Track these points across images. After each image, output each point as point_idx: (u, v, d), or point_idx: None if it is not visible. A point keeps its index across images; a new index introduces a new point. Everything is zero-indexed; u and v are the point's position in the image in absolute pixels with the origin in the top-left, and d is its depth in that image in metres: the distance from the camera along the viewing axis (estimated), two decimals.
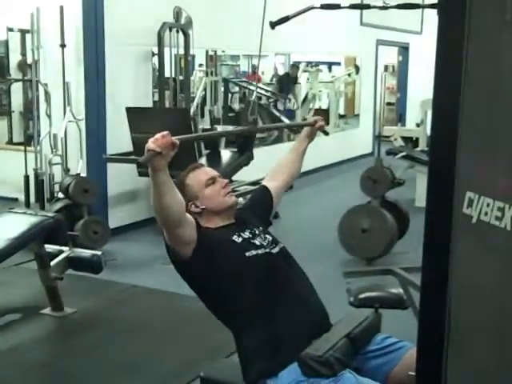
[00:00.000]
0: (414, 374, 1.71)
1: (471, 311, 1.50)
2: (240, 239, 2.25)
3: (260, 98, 9.86)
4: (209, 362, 2.62)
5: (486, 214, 1.40)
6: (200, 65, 9.22)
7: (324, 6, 3.19)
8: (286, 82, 10.38)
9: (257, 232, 2.33)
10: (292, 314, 2.15)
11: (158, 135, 1.92)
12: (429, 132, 8.30)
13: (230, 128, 7.39)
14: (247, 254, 2.21)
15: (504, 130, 1.36)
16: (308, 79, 11.03)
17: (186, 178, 2.36)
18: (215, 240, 2.23)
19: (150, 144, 1.90)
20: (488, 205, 1.40)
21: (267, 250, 2.26)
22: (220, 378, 2.33)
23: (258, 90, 9.63)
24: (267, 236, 2.34)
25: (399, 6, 3.44)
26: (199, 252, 2.16)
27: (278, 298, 2.17)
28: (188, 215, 2.15)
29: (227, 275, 2.19)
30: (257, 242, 2.28)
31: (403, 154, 7.60)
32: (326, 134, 2.75)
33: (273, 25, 2.74)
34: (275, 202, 2.55)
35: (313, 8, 3.03)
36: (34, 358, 3.71)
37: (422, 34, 12.83)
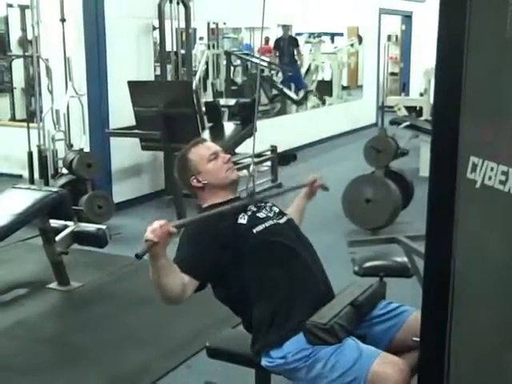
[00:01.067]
0: (418, 339, 1.72)
1: (476, 275, 1.50)
2: (245, 218, 2.23)
3: (263, 71, 9.79)
4: (215, 332, 2.63)
5: (490, 178, 1.40)
6: (201, 38, 9.15)
7: None
8: (286, 47, 9.89)
9: (262, 204, 2.32)
10: (298, 285, 2.15)
11: (156, 225, 1.90)
12: (432, 101, 8.26)
13: (233, 101, 7.36)
14: (255, 230, 2.20)
15: (508, 94, 1.35)
16: (310, 50, 10.94)
17: (188, 153, 2.35)
18: (222, 235, 2.18)
19: (149, 234, 1.89)
20: (492, 169, 1.39)
21: (274, 221, 2.26)
22: (226, 348, 2.35)
23: (262, 62, 9.58)
24: (273, 208, 2.34)
25: None
26: (207, 277, 2.17)
27: (286, 268, 2.17)
28: (186, 280, 2.09)
29: (238, 257, 2.17)
30: (262, 214, 2.27)
31: (407, 123, 7.56)
32: (327, 190, 2.71)
33: None
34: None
35: None
36: (41, 332, 3.74)
37: (425, 2, 12.68)
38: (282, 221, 2.30)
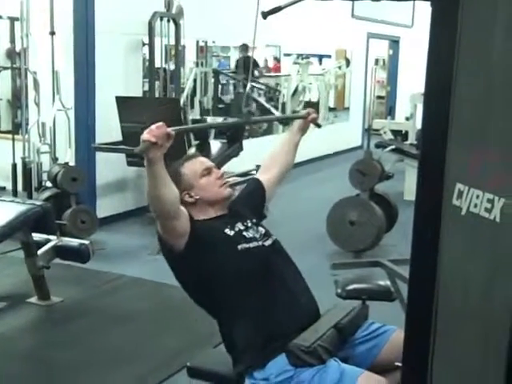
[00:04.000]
0: (400, 364, 1.72)
1: (459, 303, 1.50)
2: (232, 232, 2.24)
3: (252, 90, 9.82)
4: (196, 352, 2.62)
5: (476, 205, 1.40)
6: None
7: None
8: (246, 67, 9.12)
9: (249, 224, 2.31)
10: (283, 307, 2.15)
11: (153, 126, 1.90)
12: (418, 126, 8.32)
13: (220, 119, 7.37)
14: (239, 247, 2.20)
15: (494, 123, 1.37)
16: (298, 71, 11.01)
17: (181, 167, 2.34)
18: (207, 233, 2.21)
19: (145, 134, 1.88)
20: (478, 196, 1.40)
21: (260, 243, 2.25)
22: (207, 368, 2.32)
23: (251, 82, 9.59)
24: (260, 228, 2.33)
25: None
26: (191, 245, 2.14)
27: (269, 291, 2.16)
28: (182, 208, 2.13)
29: (219, 269, 2.17)
30: (249, 234, 2.27)
31: (392, 147, 7.61)
32: (319, 126, 2.73)
33: (265, 15, 2.70)
34: (268, 195, 2.54)
35: None
36: (19, 347, 3.70)
37: (413, 28, 12.84)
38: (267, 243, 2.29)
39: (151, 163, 1.92)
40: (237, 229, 2.26)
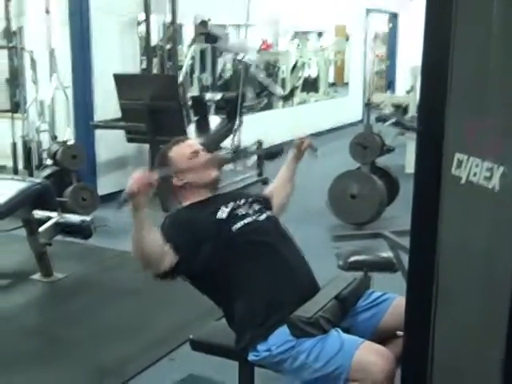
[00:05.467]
0: (401, 333, 1.74)
1: (459, 271, 1.51)
2: (224, 214, 2.24)
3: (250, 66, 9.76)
4: (198, 325, 2.64)
5: (475, 174, 1.41)
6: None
7: None
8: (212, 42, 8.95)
9: (241, 202, 2.32)
10: (282, 280, 2.17)
11: (136, 176, 1.95)
12: (418, 99, 8.28)
13: (219, 95, 7.33)
14: (233, 228, 2.21)
15: (492, 92, 1.37)
16: (298, 46, 10.95)
17: (168, 151, 2.36)
18: (197, 233, 2.19)
19: (128, 186, 1.93)
20: (477, 165, 1.40)
21: (253, 218, 2.26)
22: (210, 341, 2.35)
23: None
24: (253, 205, 2.34)
25: None
26: (184, 257, 2.15)
27: (267, 265, 2.18)
28: (166, 248, 2.11)
29: (217, 254, 2.18)
30: (242, 211, 2.27)
31: (393, 120, 7.58)
32: (315, 151, 2.66)
33: None
34: (274, 211, 2.51)
35: None
36: (22, 323, 3.73)
37: (412, 1, 12.71)
38: (262, 217, 2.30)
39: (135, 209, 1.97)
40: (229, 208, 2.27)
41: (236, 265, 2.18)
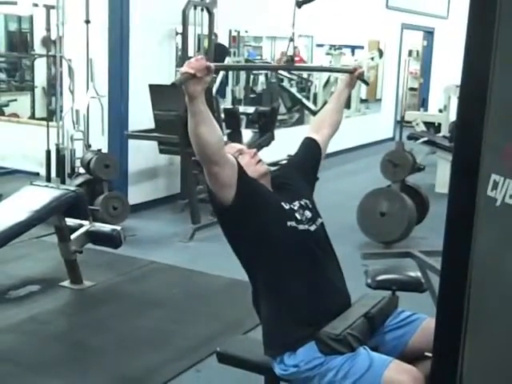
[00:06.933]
0: (430, 354, 1.72)
1: (492, 296, 1.49)
2: (288, 206, 2.22)
3: (282, 80, 9.80)
4: (225, 338, 2.64)
5: (511, 196, 1.40)
6: None
7: None
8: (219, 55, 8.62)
9: (296, 207, 2.26)
10: (320, 295, 2.15)
11: (192, 59, 1.87)
12: (452, 118, 8.22)
13: (252, 109, 7.36)
14: (289, 223, 2.18)
15: None
16: (330, 62, 10.95)
17: None
18: (259, 192, 2.18)
19: (184, 67, 1.84)
20: None
21: (306, 227, 2.23)
22: (236, 354, 2.35)
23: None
24: (306, 212, 2.28)
25: None
26: (240, 198, 2.10)
27: (308, 277, 2.16)
28: (230, 156, 2.09)
29: (265, 233, 2.15)
30: (299, 216, 2.24)
31: (425, 139, 7.54)
32: (367, 83, 2.71)
33: (299, 4, 2.70)
34: (323, 154, 2.53)
35: None
36: (52, 329, 3.77)
37: (448, 19, 12.67)
38: (313, 228, 2.26)
39: (191, 98, 1.88)
40: (290, 206, 2.23)
41: (279, 259, 2.14)
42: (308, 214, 2.29)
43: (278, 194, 2.29)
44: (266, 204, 2.18)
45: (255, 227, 2.15)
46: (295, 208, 2.26)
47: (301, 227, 2.21)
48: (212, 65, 1.88)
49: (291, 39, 2.78)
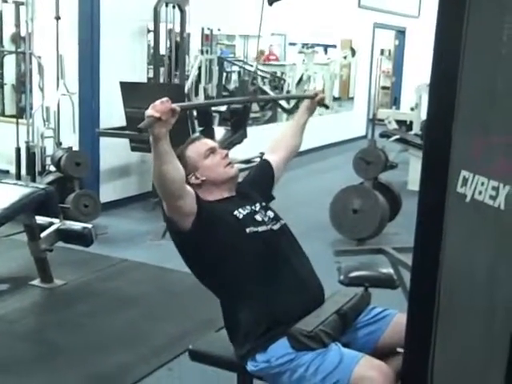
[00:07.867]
0: (401, 350, 1.73)
1: (462, 290, 1.51)
2: (241, 215, 2.23)
3: (255, 78, 9.80)
4: (197, 336, 2.63)
5: (480, 192, 1.41)
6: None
7: None
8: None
9: (257, 208, 2.30)
10: (289, 292, 2.15)
11: (157, 101, 1.89)
12: (423, 116, 8.29)
13: (224, 107, 7.34)
14: (248, 230, 2.19)
15: (499, 111, 1.37)
16: (303, 61, 10.98)
17: (185, 150, 2.33)
18: (216, 213, 2.20)
19: (149, 110, 1.87)
20: (482, 184, 1.40)
21: (268, 227, 2.25)
22: (209, 351, 2.34)
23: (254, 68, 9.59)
24: (268, 212, 2.32)
25: None
26: (199, 224, 2.14)
27: (275, 275, 2.17)
28: (188, 187, 2.13)
29: (226, 248, 2.17)
30: (258, 218, 2.26)
31: (397, 137, 7.59)
32: (327, 107, 2.73)
33: (271, 1, 2.70)
34: (276, 176, 2.55)
35: None
36: (22, 328, 3.72)
37: (419, 18, 12.78)
38: (276, 227, 2.28)
39: (156, 140, 1.91)
40: (246, 211, 2.25)
41: (244, 268, 2.16)
42: (270, 213, 2.32)
43: (238, 199, 2.31)
44: (223, 221, 2.20)
45: (216, 245, 2.17)
46: (256, 209, 2.29)
47: (262, 229, 2.23)
48: (177, 107, 1.92)
49: (259, 36, 2.78)
